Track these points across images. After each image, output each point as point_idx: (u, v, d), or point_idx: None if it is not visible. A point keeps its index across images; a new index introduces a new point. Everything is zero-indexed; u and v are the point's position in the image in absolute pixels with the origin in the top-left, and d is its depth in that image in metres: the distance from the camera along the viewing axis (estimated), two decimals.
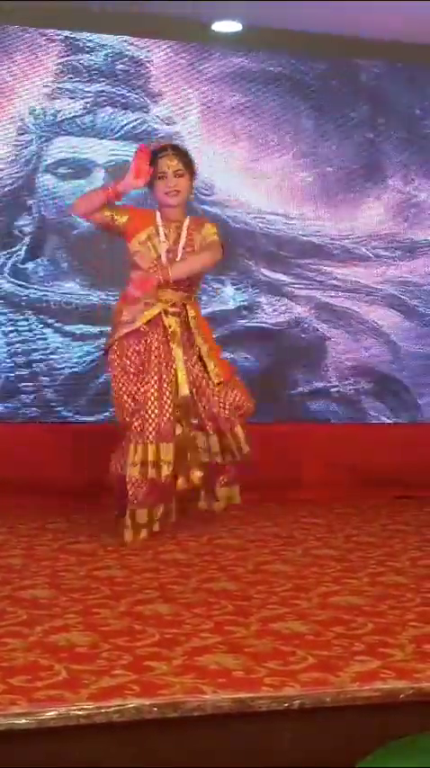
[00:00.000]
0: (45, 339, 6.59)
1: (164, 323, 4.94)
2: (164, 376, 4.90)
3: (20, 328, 6.55)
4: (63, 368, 6.60)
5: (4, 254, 6.59)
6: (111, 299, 6.00)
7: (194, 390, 4.97)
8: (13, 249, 6.60)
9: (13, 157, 6.58)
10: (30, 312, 6.58)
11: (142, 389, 4.88)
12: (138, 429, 4.85)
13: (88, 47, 6.71)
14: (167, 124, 6.78)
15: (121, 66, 6.75)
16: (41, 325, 6.59)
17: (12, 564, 4.35)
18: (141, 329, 4.93)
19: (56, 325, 6.60)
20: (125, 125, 6.73)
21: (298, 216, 7.03)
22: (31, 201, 6.62)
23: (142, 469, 4.83)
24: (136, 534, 4.87)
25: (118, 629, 3.35)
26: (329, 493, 6.23)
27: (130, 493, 4.84)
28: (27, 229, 6.62)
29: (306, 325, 6.95)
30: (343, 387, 7.03)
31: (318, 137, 7.09)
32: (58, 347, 6.60)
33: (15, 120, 6.60)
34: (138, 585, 4.00)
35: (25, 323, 6.56)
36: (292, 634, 3.33)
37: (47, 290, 6.60)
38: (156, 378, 4.89)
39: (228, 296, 6.89)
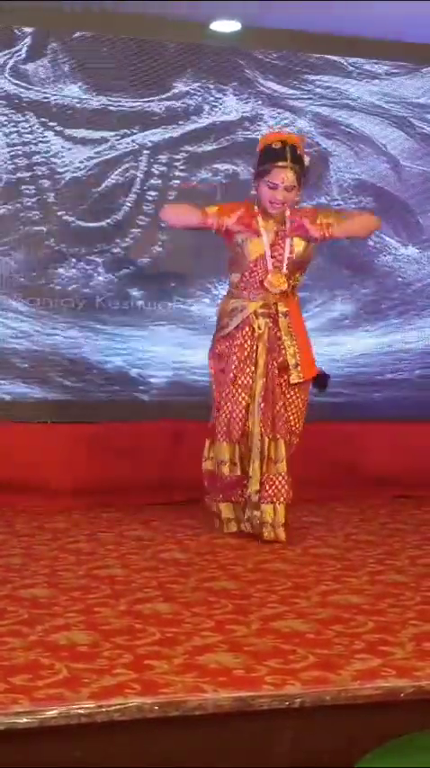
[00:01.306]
0: (47, 142, 6.53)
1: (252, 325, 4.91)
2: (241, 380, 4.90)
3: (21, 130, 6.48)
4: (64, 172, 6.55)
5: (4, 54, 6.46)
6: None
7: (265, 396, 4.90)
8: (14, 49, 6.47)
9: None
10: (31, 114, 6.50)
11: (224, 391, 4.92)
12: (213, 426, 4.97)
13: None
14: None
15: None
16: (42, 128, 6.52)
17: (11, 563, 4.35)
18: (233, 332, 4.94)
19: (57, 128, 6.54)
20: None
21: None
22: None
23: (213, 464, 5.00)
24: (222, 525, 5.00)
25: (118, 628, 3.35)
26: (328, 492, 6.23)
27: (205, 484, 5.05)
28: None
29: (308, 140, 6.52)
30: (345, 203, 6.98)
31: None
32: (59, 151, 6.55)
33: None
34: (138, 584, 4.00)
35: (26, 125, 6.49)
36: (293, 633, 3.33)
37: (48, 93, 6.50)
38: (233, 379, 4.91)
39: (231, 107, 6.79)
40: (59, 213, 6.54)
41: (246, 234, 4.90)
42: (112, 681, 2.81)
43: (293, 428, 4.95)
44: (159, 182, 6.67)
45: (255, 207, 4.94)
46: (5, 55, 6.44)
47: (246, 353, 4.91)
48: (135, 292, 6.68)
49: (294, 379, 4.90)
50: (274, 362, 4.90)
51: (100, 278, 6.62)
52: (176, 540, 4.87)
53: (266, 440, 4.86)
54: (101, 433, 6.29)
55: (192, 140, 6.74)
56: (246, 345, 4.91)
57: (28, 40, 6.46)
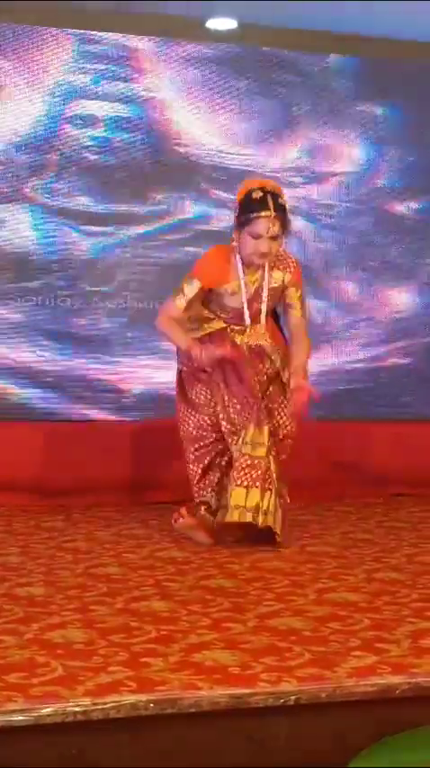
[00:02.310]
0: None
1: (234, 340, 4.88)
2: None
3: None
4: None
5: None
6: None
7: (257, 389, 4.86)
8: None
9: None
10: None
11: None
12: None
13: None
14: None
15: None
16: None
17: (8, 562, 4.35)
18: (204, 339, 4.88)
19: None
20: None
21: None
22: None
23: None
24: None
25: (114, 626, 3.34)
26: (325, 490, 6.23)
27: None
28: None
29: None
30: None
31: None
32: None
33: None
34: (134, 583, 4.00)
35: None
36: (289, 630, 3.33)
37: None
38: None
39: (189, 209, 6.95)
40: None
41: (223, 287, 4.83)
42: (108, 678, 2.80)
43: (288, 431, 4.91)
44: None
45: (236, 256, 4.82)
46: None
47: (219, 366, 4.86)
48: None
49: (284, 376, 4.90)
50: (262, 372, 4.89)
51: None
52: (173, 539, 4.86)
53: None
54: (97, 433, 6.31)
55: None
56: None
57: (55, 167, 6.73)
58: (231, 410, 4.80)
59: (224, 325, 4.90)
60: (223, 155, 6.90)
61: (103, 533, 5.05)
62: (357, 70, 7.19)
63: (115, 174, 6.77)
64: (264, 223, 4.67)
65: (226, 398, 4.82)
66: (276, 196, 4.73)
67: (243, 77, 6.97)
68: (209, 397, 4.88)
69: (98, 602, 3.68)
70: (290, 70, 7.07)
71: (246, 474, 4.68)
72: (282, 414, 4.88)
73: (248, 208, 4.71)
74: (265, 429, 4.74)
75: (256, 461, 4.71)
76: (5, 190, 6.59)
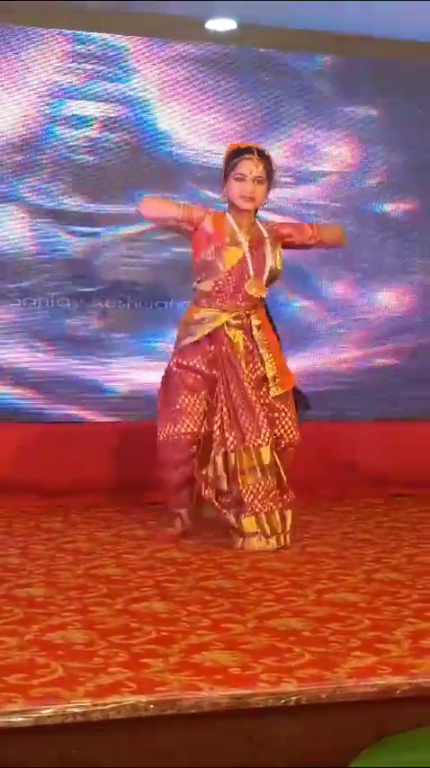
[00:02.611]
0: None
1: (227, 335, 4.87)
2: (199, 393, 4.88)
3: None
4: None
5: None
6: None
7: (254, 400, 4.82)
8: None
9: None
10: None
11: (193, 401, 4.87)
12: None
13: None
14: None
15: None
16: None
17: (8, 563, 4.35)
18: (203, 341, 4.87)
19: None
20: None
21: None
22: None
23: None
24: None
25: (114, 627, 3.34)
26: (325, 491, 6.24)
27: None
28: None
29: None
30: None
31: None
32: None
33: None
34: (134, 584, 4.00)
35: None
36: (289, 631, 3.33)
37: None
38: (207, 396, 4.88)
39: None
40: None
41: (221, 242, 4.86)
42: (108, 679, 2.80)
43: (291, 440, 4.90)
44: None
45: (229, 217, 4.91)
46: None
47: (215, 364, 4.86)
48: None
49: (274, 391, 4.86)
50: (251, 375, 4.85)
51: None
52: (174, 540, 4.86)
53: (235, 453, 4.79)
54: (96, 434, 6.31)
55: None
56: (221, 355, 4.85)
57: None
58: (227, 422, 4.81)
59: (221, 320, 4.87)
60: (210, 155, 6.83)
61: (102, 534, 5.05)
62: (345, 71, 7.19)
63: (102, 175, 6.75)
64: (248, 164, 4.83)
65: (224, 410, 4.82)
66: (261, 150, 4.93)
67: (230, 77, 6.97)
68: (196, 407, 4.86)
69: (98, 603, 3.68)
70: (278, 70, 7.08)
71: (254, 502, 4.72)
72: (284, 423, 4.88)
73: (233, 155, 4.88)
74: (257, 452, 4.77)
75: (261, 486, 4.75)
76: None
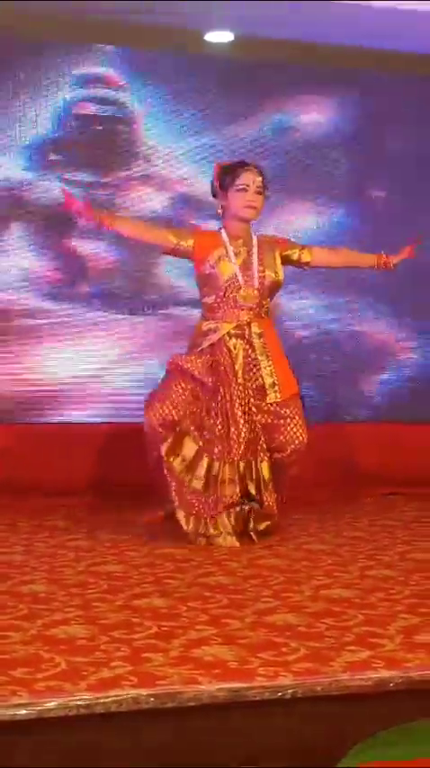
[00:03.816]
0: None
1: (227, 345, 4.89)
2: (188, 391, 4.89)
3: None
4: None
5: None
6: None
7: (239, 414, 4.85)
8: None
9: None
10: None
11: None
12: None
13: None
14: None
15: None
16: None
17: (12, 560, 4.36)
18: (205, 350, 4.91)
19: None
20: None
21: None
22: None
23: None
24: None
25: (116, 623, 3.35)
26: (321, 490, 6.25)
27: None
28: None
29: None
30: None
31: None
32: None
33: None
34: (135, 580, 4.01)
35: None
36: (285, 626, 3.34)
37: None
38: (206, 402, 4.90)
39: None
40: None
41: (215, 257, 4.91)
42: (110, 673, 2.81)
43: (297, 445, 4.90)
44: None
45: (223, 234, 4.97)
46: None
47: (212, 373, 4.88)
48: None
49: (271, 398, 4.89)
50: (249, 384, 4.88)
51: None
52: (173, 538, 4.86)
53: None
54: (97, 435, 6.32)
55: None
56: (217, 366, 4.88)
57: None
58: (218, 431, 4.85)
59: (223, 330, 4.89)
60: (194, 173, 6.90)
61: (104, 532, 5.05)
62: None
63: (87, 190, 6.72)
64: (249, 175, 4.90)
65: (218, 419, 4.85)
66: (256, 164, 5.03)
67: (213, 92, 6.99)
68: (181, 396, 4.87)
69: (100, 599, 3.69)
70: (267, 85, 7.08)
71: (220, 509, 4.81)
72: (289, 429, 4.90)
73: (231, 169, 4.93)
74: (237, 465, 4.84)
75: (229, 497, 4.81)
76: None
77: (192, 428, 4.84)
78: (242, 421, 4.82)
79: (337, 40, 6.70)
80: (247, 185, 4.87)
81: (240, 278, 4.88)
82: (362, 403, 7.24)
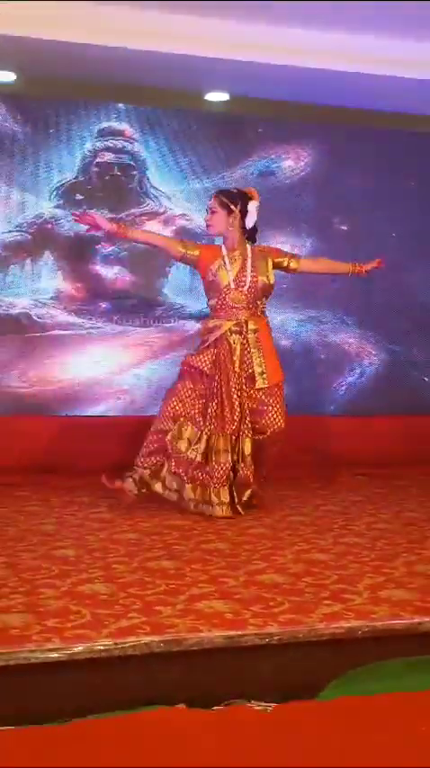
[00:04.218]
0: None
1: (228, 340, 4.87)
2: (198, 385, 4.87)
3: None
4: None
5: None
6: None
7: (235, 397, 4.82)
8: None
9: None
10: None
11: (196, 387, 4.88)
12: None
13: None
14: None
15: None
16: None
17: (46, 530, 4.34)
18: (211, 345, 4.88)
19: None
20: None
21: None
22: None
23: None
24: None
25: (132, 581, 3.35)
26: (302, 471, 6.23)
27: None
28: None
29: None
30: None
31: None
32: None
33: None
34: (147, 546, 4.00)
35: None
36: (272, 584, 3.34)
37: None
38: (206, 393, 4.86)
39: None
40: None
41: (216, 266, 4.90)
42: (127, 623, 2.81)
43: (277, 428, 4.86)
44: None
45: (222, 246, 4.97)
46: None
47: (213, 364, 4.86)
48: None
49: (259, 384, 4.85)
50: (243, 373, 4.86)
51: None
52: (179, 511, 4.84)
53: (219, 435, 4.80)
54: (114, 425, 6.31)
55: None
56: (218, 357, 4.85)
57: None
58: (214, 411, 4.81)
59: (225, 327, 4.87)
60: (193, 210, 6.85)
61: (121, 506, 5.03)
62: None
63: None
64: (208, 203, 5.03)
65: (215, 401, 4.82)
66: (220, 189, 5.17)
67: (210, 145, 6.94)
68: (189, 394, 4.85)
69: (118, 561, 3.68)
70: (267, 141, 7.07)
71: (222, 477, 4.77)
72: (270, 414, 4.86)
73: (244, 196, 4.97)
74: (230, 438, 4.80)
75: (223, 465, 4.77)
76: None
77: (196, 416, 4.83)
78: (236, 402, 4.81)
79: (310, 99, 6.71)
80: (206, 209, 5.00)
81: (232, 284, 4.89)
82: (334, 399, 7.23)
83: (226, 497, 4.77)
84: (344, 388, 7.27)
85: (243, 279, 4.89)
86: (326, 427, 6.73)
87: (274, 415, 4.87)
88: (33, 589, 3.21)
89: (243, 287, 4.89)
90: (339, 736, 2.23)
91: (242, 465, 4.83)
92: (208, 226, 4.99)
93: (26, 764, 2.08)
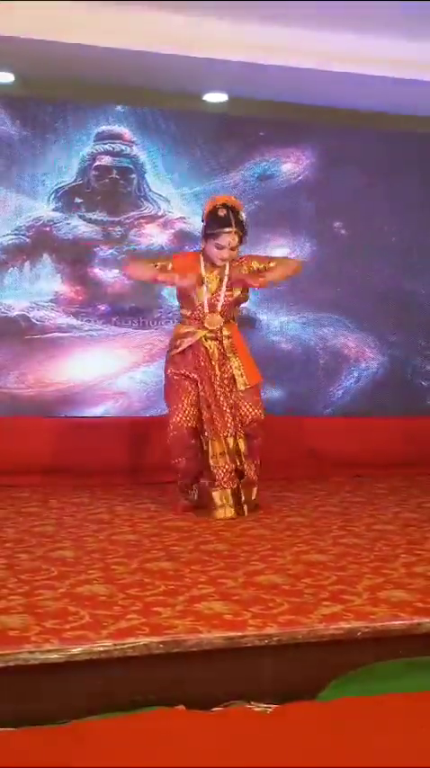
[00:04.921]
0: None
1: (204, 345, 4.84)
2: (192, 394, 4.83)
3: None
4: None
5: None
6: None
7: (221, 400, 4.81)
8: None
9: None
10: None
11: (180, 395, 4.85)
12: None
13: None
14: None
15: None
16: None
17: (45, 531, 4.34)
18: (187, 351, 4.85)
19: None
20: None
21: None
22: None
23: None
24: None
25: (131, 582, 3.33)
26: (301, 472, 6.23)
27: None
28: None
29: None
30: None
31: None
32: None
33: None
34: (147, 547, 3.99)
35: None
36: (271, 585, 3.32)
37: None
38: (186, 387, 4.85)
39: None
40: None
41: (193, 283, 4.81)
42: (126, 624, 2.79)
43: (254, 417, 4.85)
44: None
45: (202, 258, 4.85)
46: None
47: (196, 370, 4.83)
48: None
49: (240, 386, 4.84)
50: (223, 375, 4.83)
51: None
52: (177, 513, 4.84)
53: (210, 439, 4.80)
54: (113, 426, 6.31)
55: None
56: (199, 363, 4.83)
57: None
58: (206, 415, 4.80)
59: (200, 334, 4.85)
60: (191, 213, 6.84)
61: (121, 507, 5.03)
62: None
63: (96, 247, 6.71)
64: (226, 238, 4.72)
65: (204, 407, 4.81)
66: (237, 213, 4.77)
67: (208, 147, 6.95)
68: (192, 407, 4.83)
69: (117, 562, 3.67)
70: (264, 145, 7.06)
71: (224, 479, 4.76)
72: (248, 406, 4.85)
73: (215, 223, 4.74)
74: (225, 440, 4.78)
75: (228, 467, 4.77)
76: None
77: (203, 430, 4.82)
78: (225, 405, 4.80)
79: (309, 100, 6.72)
80: (223, 246, 4.75)
81: (206, 306, 4.82)
82: (334, 401, 7.22)
83: (230, 499, 4.75)
84: (342, 390, 7.26)
85: (217, 299, 4.83)
86: (325, 429, 6.72)
87: (253, 408, 4.87)
88: (32, 590, 3.19)
89: (217, 305, 4.82)
90: (339, 737, 2.22)
91: (245, 464, 4.83)
92: (222, 260, 4.78)
93: (25, 766, 2.07)
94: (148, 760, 2.10)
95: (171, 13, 5.69)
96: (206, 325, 4.84)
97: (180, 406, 4.84)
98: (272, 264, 4.96)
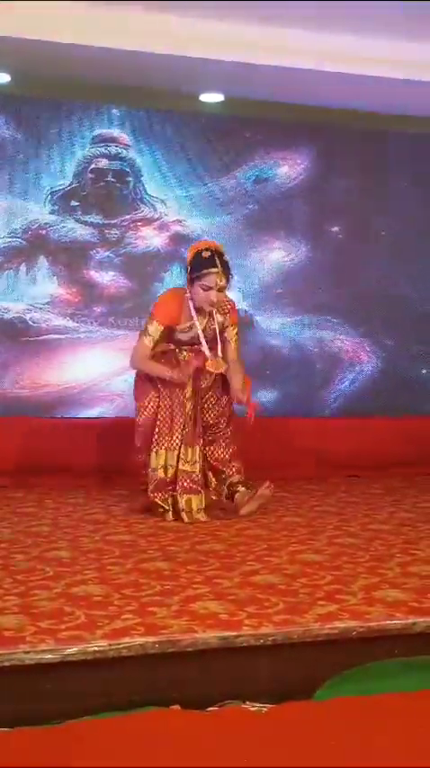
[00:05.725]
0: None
1: (178, 358, 4.76)
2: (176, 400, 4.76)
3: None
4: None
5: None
6: None
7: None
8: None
9: None
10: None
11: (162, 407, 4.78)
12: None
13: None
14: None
15: None
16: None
17: (40, 531, 4.31)
18: (158, 356, 4.78)
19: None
20: None
21: None
22: None
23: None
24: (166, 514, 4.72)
25: (126, 582, 3.31)
26: (297, 472, 6.21)
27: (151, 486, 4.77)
28: None
29: None
30: None
31: None
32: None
33: None
34: (142, 547, 3.97)
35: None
36: (267, 584, 3.31)
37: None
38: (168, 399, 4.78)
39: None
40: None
41: (186, 324, 4.72)
42: (121, 624, 2.78)
43: (225, 418, 4.83)
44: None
45: (190, 301, 4.71)
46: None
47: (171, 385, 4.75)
48: None
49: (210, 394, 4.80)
50: (208, 381, 4.79)
51: None
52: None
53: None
54: (109, 427, 6.29)
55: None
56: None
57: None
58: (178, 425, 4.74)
59: (188, 389, 4.75)
60: (187, 216, 6.85)
61: (117, 508, 5.01)
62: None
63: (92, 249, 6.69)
64: (213, 278, 4.61)
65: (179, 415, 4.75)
66: (221, 254, 4.67)
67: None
68: (156, 406, 4.77)
69: (113, 563, 3.65)
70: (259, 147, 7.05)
71: (188, 485, 4.69)
72: (216, 410, 4.81)
73: (200, 265, 4.62)
74: (197, 449, 4.73)
75: (193, 475, 4.71)
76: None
77: (171, 439, 4.74)
78: (193, 414, 4.73)
79: (305, 101, 6.70)
80: (211, 287, 4.63)
81: (207, 352, 4.71)
82: (329, 402, 7.22)
83: (201, 503, 4.70)
84: (338, 391, 7.25)
85: (214, 343, 4.74)
86: (319, 429, 6.71)
87: (219, 407, 4.83)
88: (27, 590, 3.18)
89: (216, 352, 4.72)
90: (334, 737, 2.20)
91: (228, 467, 4.80)
92: (212, 304, 4.65)
93: (21, 766, 2.05)
94: (144, 760, 2.09)
95: (167, 12, 5.67)
96: (209, 367, 4.72)
97: (147, 403, 4.80)
98: (235, 357, 4.81)
